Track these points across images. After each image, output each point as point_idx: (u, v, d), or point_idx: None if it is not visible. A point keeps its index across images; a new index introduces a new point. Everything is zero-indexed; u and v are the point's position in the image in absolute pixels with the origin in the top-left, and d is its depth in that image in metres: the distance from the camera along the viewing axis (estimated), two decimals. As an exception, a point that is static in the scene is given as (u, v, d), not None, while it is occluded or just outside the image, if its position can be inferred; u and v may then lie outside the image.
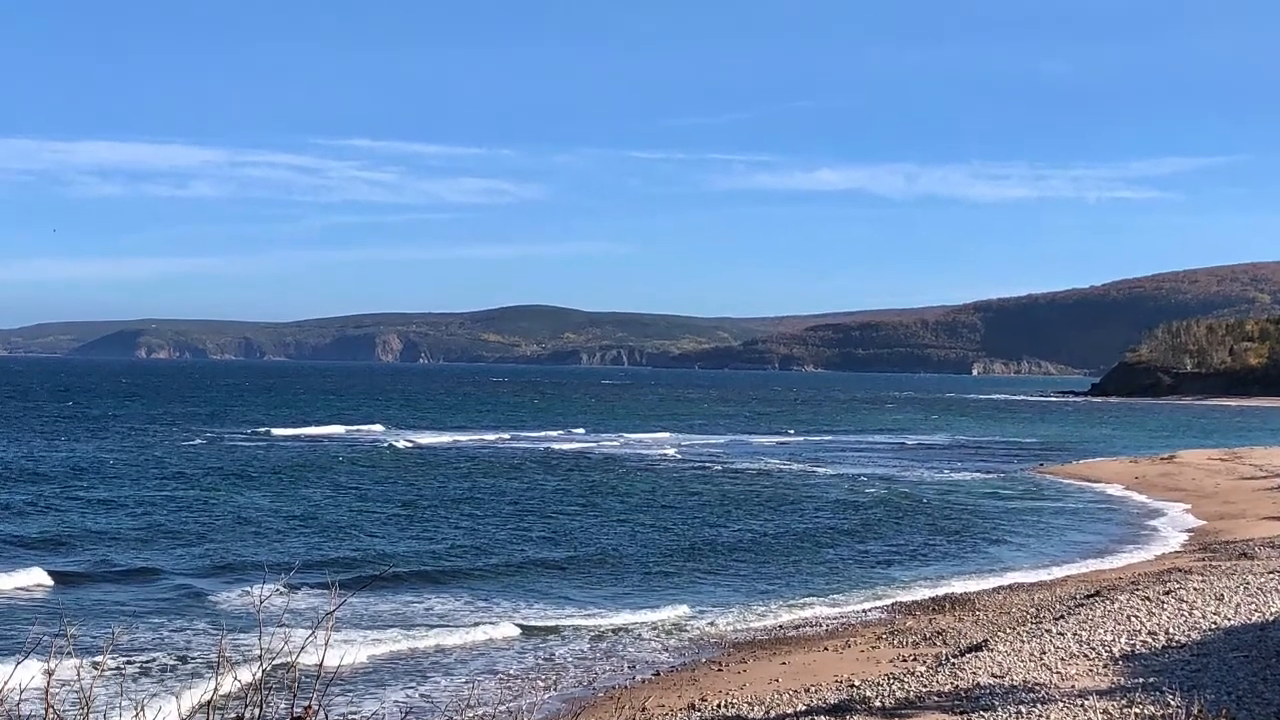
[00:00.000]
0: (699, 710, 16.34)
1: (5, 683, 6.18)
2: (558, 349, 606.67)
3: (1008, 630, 19.70)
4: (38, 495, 39.40)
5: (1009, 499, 45.30)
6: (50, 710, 5.80)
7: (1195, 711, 12.74)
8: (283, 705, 6.61)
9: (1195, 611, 19.61)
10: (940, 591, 26.17)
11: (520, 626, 22.19)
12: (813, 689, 16.78)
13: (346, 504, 39.90)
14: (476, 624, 22.28)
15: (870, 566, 30.08)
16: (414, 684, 18.62)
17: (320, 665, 6.74)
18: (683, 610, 23.85)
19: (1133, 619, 19.28)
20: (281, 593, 21.48)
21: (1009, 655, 17.13)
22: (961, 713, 14.35)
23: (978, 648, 18.17)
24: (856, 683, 16.76)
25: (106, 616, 21.97)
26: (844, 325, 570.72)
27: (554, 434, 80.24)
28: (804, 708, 15.73)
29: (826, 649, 20.25)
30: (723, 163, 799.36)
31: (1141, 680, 15.11)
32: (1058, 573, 29.03)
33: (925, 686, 15.76)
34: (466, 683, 18.71)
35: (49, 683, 6.20)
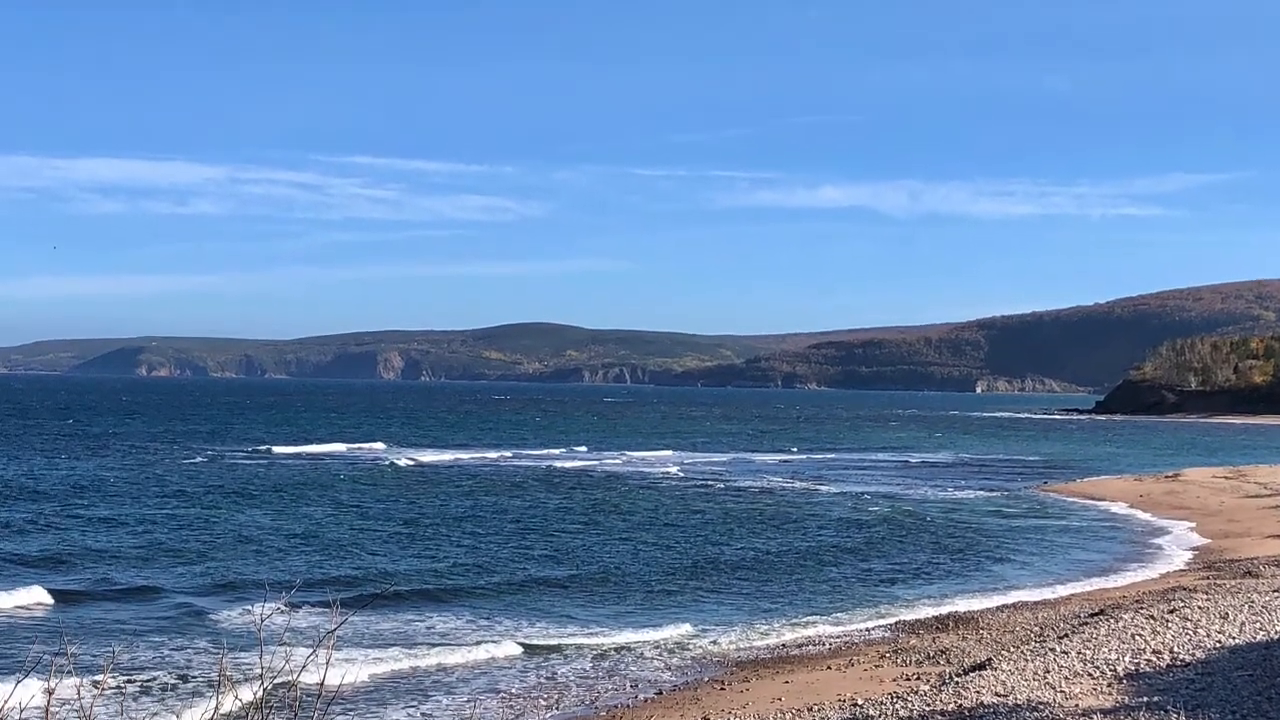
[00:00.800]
0: (702, 729, 16.26)
1: (5, 701, 6.15)
2: (560, 366, 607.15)
3: (1012, 649, 19.62)
4: (38, 513, 39.36)
5: (1013, 517, 45.21)
6: (49, 729, 5.76)
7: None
8: (283, 724, 6.58)
9: (1200, 630, 19.54)
10: (944, 610, 26.08)
11: (522, 645, 22.13)
12: (816, 708, 16.71)
13: (348, 522, 39.84)
14: (478, 642, 22.22)
15: (874, 585, 29.99)
16: (416, 703, 18.56)
17: (321, 684, 6.71)
18: (685, 629, 23.78)
19: (1137, 638, 19.20)
20: (283, 611, 21.42)
21: (1013, 674, 17.05)
22: (966, 732, 14.26)
23: (981, 666, 18.09)
24: (860, 702, 16.69)
25: (107, 635, 21.91)
26: (847, 343, 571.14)
27: (556, 452, 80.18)
28: (807, 727, 15.64)
29: (830, 668, 20.17)
30: (725, 179, 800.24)
31: (1146, 699, 15.04)
32: (1062, 591, 28.94)
33: (929, 705, 15.68)
34: (468, 701, 18.65)
35: (49, 701, 6.17)
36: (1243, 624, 19.91)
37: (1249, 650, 17.81)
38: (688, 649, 22.39)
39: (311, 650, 6.94)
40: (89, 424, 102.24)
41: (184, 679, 19.05)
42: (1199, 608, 21.73)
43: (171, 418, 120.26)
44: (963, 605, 26.75)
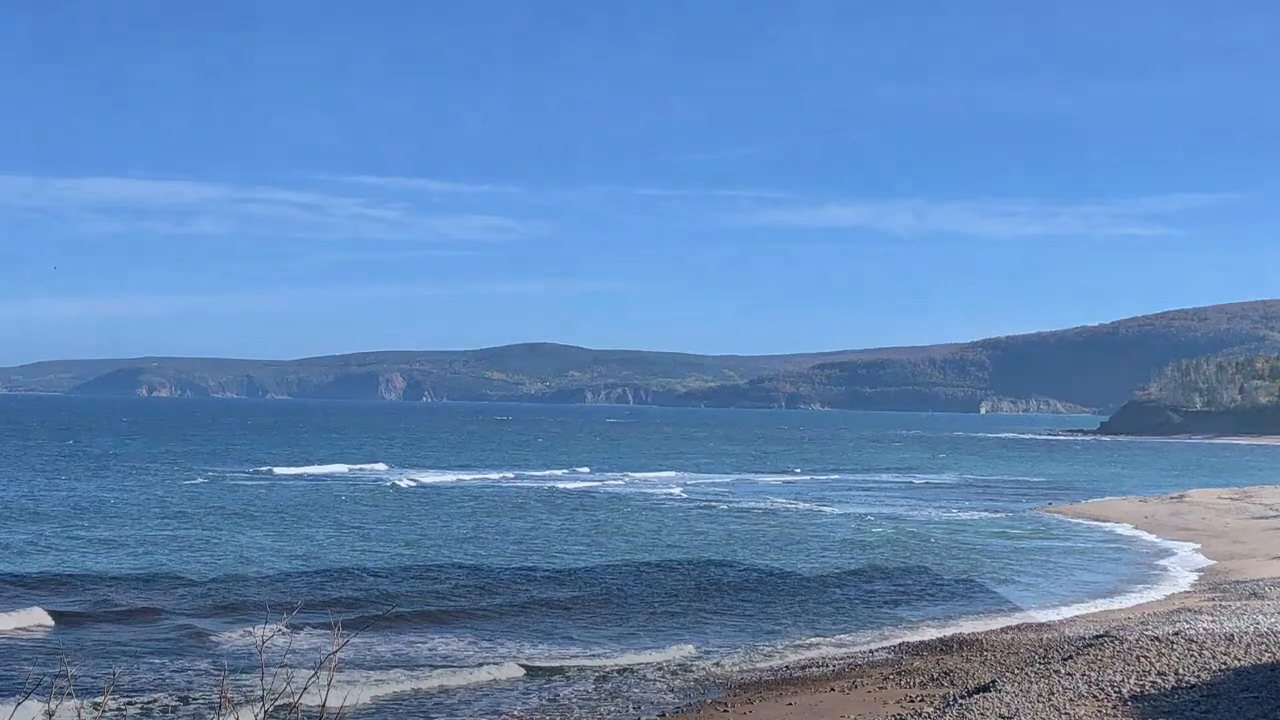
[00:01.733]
0: (705, 752, 16.17)
1: (3, 724, 6.11)
2: (562, 387, 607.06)
3: (1016, 671, 19.52)
4: (38, 535, 39.33)
5: (1017, 538, 45.09)
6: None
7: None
8: (283, 747, 6.53)
9: (1205, 652, 19.45)
10: (948, 632, 25.99)
11: (525, 667, 22.06)
12: (820, 731, 16.61)
13: (349, 543, 39.78)
14: (480, 664, 22.15)
15: (877, 606, 29.90)
16: (417, 725, 18.46)
17: (323, 706, 6.68)
18: (688, 650, 23.70)
19: (1142, 659, 19.11)
20: (284, 633, 21.33)
21: (1017, 696, 16.96)
22: (970, 755, 14.17)
23: (985, 688, 18.00)
24: (864, 724, 16.59)
25: (107, 657, 21.86)
26: (851, 363, 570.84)
27: (558, 473, 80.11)
28: (811, 750, 15.55)
29: (833, 689, 20.08)
30: (729, 199, 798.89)
31: (1152, 722, 14.95)
32: (1066, 613, 28.86)
33: (933, 728, 15.58)
34: (470, 724, 18.55)
35: (47, 724, 6.12)
36: (1248, 646, 19.83)
37: (1254, 672, 17.71)
38: (690, 670, 22.30)
39: (313, 672, 6.90)
40: (89, 445, 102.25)
41: (185, 701, 18.98)
42: (1204, 629, 21.64)
43: (172, 438, 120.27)
44: (967, 627, 26.66)
